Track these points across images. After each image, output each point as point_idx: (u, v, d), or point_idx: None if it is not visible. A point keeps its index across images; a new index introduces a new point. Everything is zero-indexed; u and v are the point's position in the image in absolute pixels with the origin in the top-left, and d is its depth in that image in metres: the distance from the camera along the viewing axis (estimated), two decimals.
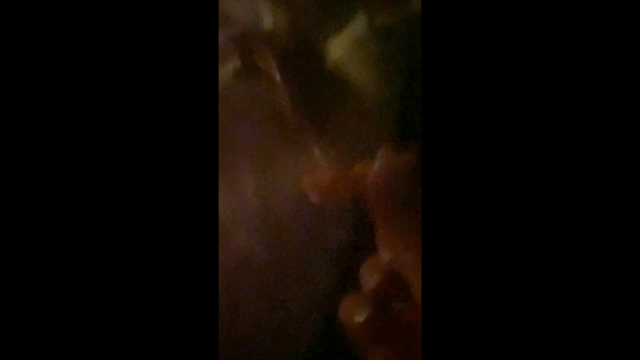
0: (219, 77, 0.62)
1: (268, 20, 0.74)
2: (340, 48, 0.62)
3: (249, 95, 0.59)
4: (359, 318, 0.28)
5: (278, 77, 0.58)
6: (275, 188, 0.54)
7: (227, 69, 0.63)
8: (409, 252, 0.27)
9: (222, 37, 0.65)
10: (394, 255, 0.28)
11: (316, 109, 0.57)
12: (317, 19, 0.64)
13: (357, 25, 0.62)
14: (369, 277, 0.29)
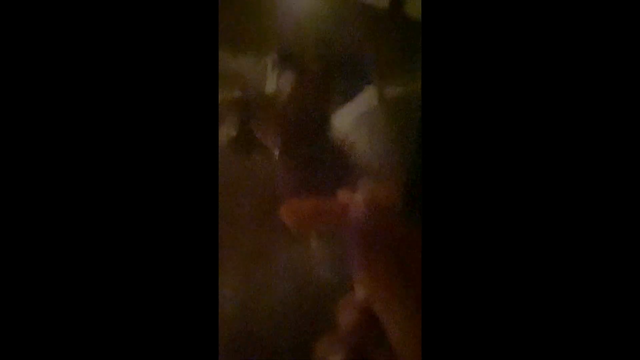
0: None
1: (271, 85, 0.70)
2: (347, 120, 0.57)
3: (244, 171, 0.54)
4: None
5: (277, 153, 0.52)
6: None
7: (221, 136, 0.58)
8: (385, 292, 0.26)
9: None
10: (371, 294, 0.26)
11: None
12: (324, 89, 0.60)
13: (366, 97, 0.57)
14: (345, 317, 0.28)
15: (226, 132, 0.60)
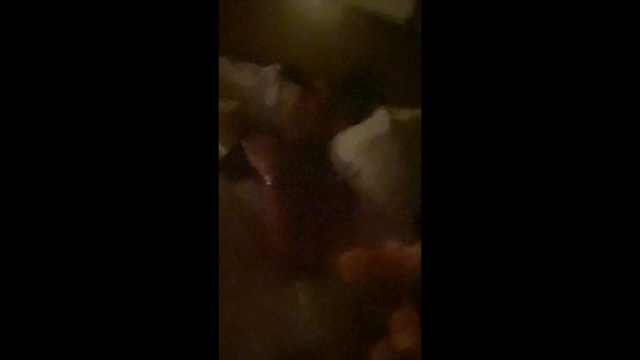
0: None
1: (271, 98, 0.63)
2: (353, 145, 0.50)
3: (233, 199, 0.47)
4: None
5: (269, 180, 0.46)
6: None
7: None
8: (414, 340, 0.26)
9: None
10: (403, 342, 0.27)
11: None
12: (328, 108, 0.53)
13: (376, 120, 0.50)
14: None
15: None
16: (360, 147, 0.50)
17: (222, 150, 0.52)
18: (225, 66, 0.68)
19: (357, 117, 0.52)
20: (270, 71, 0.62)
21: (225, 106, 0.59)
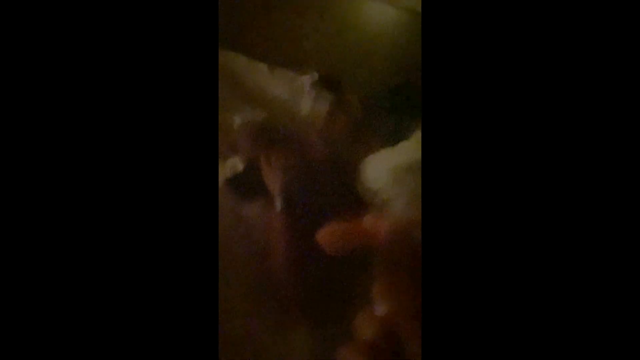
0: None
1: (305, 105, 0.58)
2: (383, 171, 0.43)
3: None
4: None
5: (279, 205, 0.40)
6: None
7: (223, 169, 0.46)
8: (405, 309, 0.27)
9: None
10: (390, 310, 0.28)
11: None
12: (358, 126, 0.46)
13: (412, 145, 0.43)
14: (364, 330, 0.29)
15: (231, 164, 0.48)
16: (393, 173, 0.43)
17: (239, 165, 0.47)
18: (262, 73, 0.64)
19: (391, 138, 0.46)
20: (307, 81, 0.57)
21: (253, 116, 0.54)
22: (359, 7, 0.61)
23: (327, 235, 0.32)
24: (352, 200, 0.46)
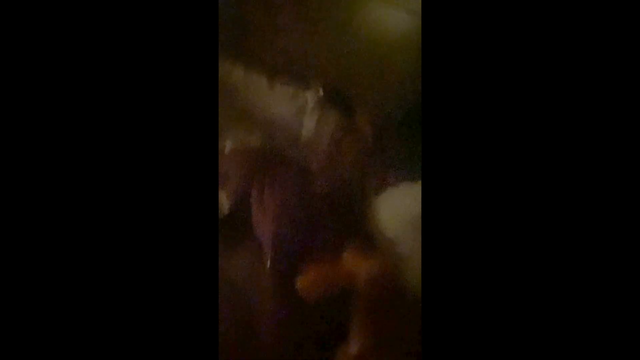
0: None
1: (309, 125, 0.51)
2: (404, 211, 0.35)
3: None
4: None
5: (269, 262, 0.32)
6: None
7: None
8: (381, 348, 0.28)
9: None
10: (364, 349, 0.29)
11: None
12: (369, 154, 0.38)
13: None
14: None
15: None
16: (414, 217, 0.35)
17: (226, 206, 0.39)
18: (261, 88, 0.56)
19: (405, 167, 0.37)
20: (311, 97, 0.49)
21: (247, 139, 0.47)
22: (374, 14, 0.53)
23: (307, 287, 0.32)
24: (359, 245, 0.38)
